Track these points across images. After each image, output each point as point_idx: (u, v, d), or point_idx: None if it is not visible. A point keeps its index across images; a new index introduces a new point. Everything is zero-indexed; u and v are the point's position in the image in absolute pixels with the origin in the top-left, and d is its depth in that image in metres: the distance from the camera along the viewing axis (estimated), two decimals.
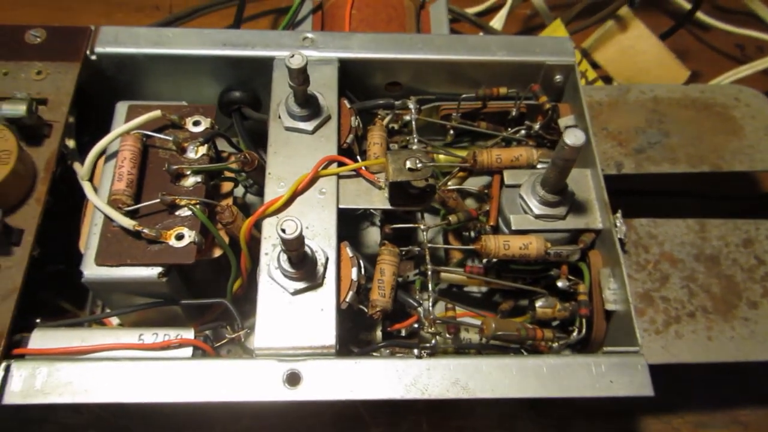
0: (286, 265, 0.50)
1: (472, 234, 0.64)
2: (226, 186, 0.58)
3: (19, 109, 0.54)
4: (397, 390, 0.48)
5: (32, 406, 0.46)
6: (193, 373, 0.48)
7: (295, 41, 0.64)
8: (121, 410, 0.59)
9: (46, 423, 0.60)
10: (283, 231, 0.45)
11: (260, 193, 0.68)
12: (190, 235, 0.51)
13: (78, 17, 0.93)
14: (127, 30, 0.64)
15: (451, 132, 0.69)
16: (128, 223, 0.50)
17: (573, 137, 0.49)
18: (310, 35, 0.64)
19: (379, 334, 0.60)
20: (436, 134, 0.71)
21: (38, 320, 0.54)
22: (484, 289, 0.67)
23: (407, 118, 0.66)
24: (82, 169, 0.56)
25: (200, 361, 0.48)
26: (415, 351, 0.51)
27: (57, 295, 0.59)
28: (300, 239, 0.46)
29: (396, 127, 0.66)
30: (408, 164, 0.53)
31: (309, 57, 0.62)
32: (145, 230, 0.50)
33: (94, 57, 0.63)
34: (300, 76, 0.54)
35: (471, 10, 0.90)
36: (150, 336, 0.50)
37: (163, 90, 0.68)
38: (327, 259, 0.52)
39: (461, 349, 0.56)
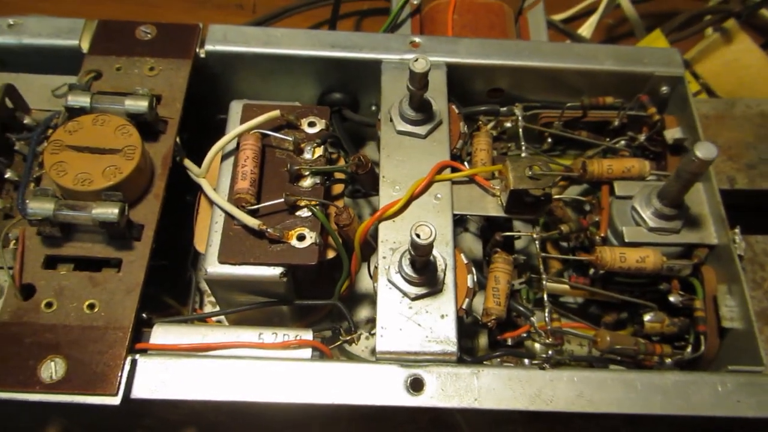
0: (408, 270, 0.50)
1: (569, 244, 0.63)
2: (337, 188, 0.58)
3: (142, 105, 0.54)
4: (521, 401, 0.47)
5: (158, 401, 0.47)
6: (315, 375, 0.48)
7: (402, 45, 0.64)
8: (218, 407, 0.59)
9: (146, 417, 0.61)
10: (418, 236, 0.45)
11: (358, 196, 0.69)
12: (311, 236, 0.51)
13: (161, 14, 0.94)
14: (236, 29, 0.65)
15: (549, 140, 0.68)
16: (253, 222, 0.50)
17: (705, 150, 0.49)
18: (417, 39, 0.64)
19: (483, 341, 0.59)
20: (529, 142, 0.71)
21: (143, 315, 0.54)
22: (579, 300, 0.67)
23: (507, 125, 0.66)
24: (193, 166, 0.57)
25: (323, 363, 0.48)
26: (539, 361, 0.50)
27: (161, 290, 0.60)
28: (432, 245, 0.46)
29: (495, 133, 0.66)
30: (529, 172, 0.53)
31: None
32: (270, 230, 0.50)
33: (203, 55, 0.63)
34: (422, 80, 0.54)
35: (555, 17, 0.89)
36: (269, 335, 0.50)
37: (262, 89, 0.68)
38: (446, 265, 0.51)
39: (575, 361, 0.55)
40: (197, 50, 0.63)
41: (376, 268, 0.53)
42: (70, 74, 0.62)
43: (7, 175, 0.54)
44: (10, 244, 0.52)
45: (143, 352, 0.49)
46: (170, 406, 0.59)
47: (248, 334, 0.50)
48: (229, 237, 0.51)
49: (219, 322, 0.60)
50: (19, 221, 0.53)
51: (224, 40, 0.64)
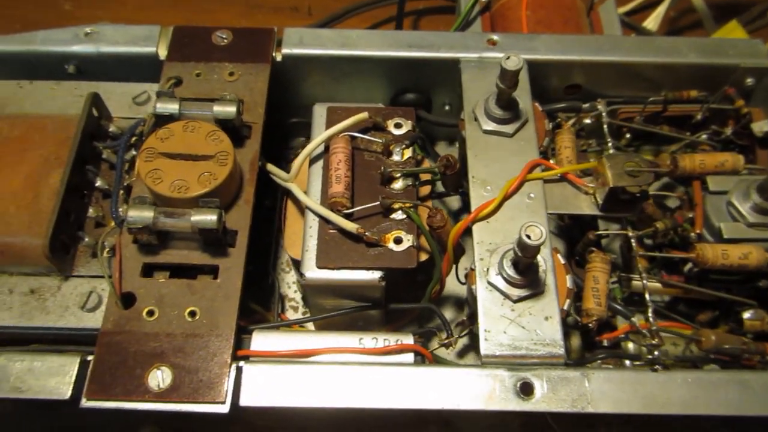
0: (511, 272, 0.49)
1: (655, 242, 0.62)
2: (424, 189, 0.57)
3: (230, 111, 0.54)
4: (635, 404, 0.46)
5: (266, 409, 0.46)
6: (421, 380, 0.47)
7: (479, 43, 0.63)
8: (313, 413, 0.58)
9: (236, 424, 0.60)
10: (528, 237, 0.44)
11: (432, 196, 0.68)
12: (408, 239, 0.50)
13: (217, 19, 0.94)
14: (311, 32, 0.64)
15: (628, 136, 0.67)
16: (351, 226, 0.50)
17: None
18: (495, 37, 0.63)
19: (575, 343, 0.58)
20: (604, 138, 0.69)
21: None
22: (666, 298, 0.65)
23: (586, 121, 0.65)
24: (279, 171, 0.56)
25: (429, 368, 0.47)
26: (644, 363, 0.49)
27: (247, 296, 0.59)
28: (541, 246, 0.45)
29: (574, 130, 0.65)
30: (627, 169, 0.52)
31: (495, 59, 0.61)
32: (367, 233, 0.49)
33: (279, 58, 0.63)
34: (513, 78, 0.53)
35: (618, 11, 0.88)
36: (370, 340, 0.50)
37: (334, 91, 0.67)
38: (547, 266, 0.50)
39: (680, 362, 0.54)
40: (273, 54, 0.62)
41: (471, 270, 0.52)
42: (145, 81, 0.62)
43: (98, 183, 0.54)
44: (103, 252, 0.52)
45: (245, 359, 0.48)
46: (262, 413, 0.58)
47: (348, 340, 0.50)
48: (326, 241, 0.51)
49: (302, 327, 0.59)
50: (113, 230, 0.53)
51: (301, 43, 0.63)
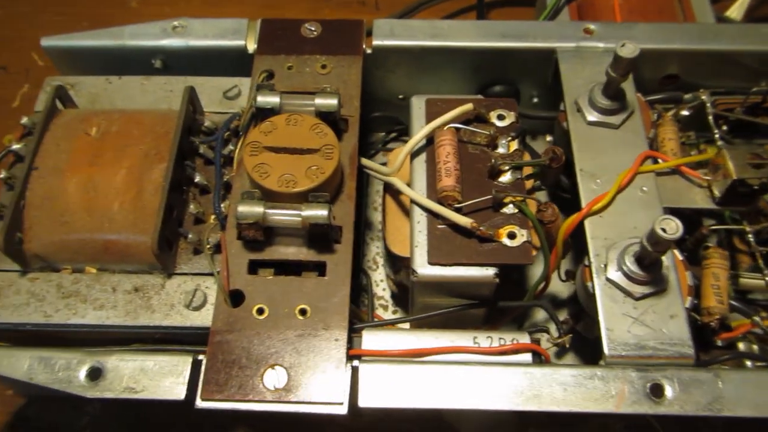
0: (634, 268, 0.47)
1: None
2: (528, 183, 0.56)
3: (332, 103, 0.52)
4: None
5: (384, 410, 0.45)
6: (542, 380, 0.45)
7: (575, 32, 0.61)
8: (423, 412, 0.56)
9: (331, 423, 0.59)
10: (664, 230, 0.42)
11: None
12: (522, 234, 0.49)
13: (285, 13, 0.93)
14: (402, 23, 0.63)
15: (724, 128, 0.64)
16: (465, 221, 0.48)
17: None
18: (591, 26, 0.61)
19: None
20: (699, 130, 0.67)
21: None
22: None
23: (684, 112, 0.62)
24: (377, 165, 0.55)
25: (551, 369, 0.45)
26: None
27: None
28: (675, 240, 0.43)
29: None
30: (750, 160, 0.49)
31: (592, 48, 0.59)
32: (481, 228, 0.48)
33: (369, 51, 0.61)
34: (628, 66, 0.51)
35: None
36: (485, 339, 0.48)
37: (420, 83, 0.66)
38: (670, 262, 0.48)
39: None
40: (363, 46, 0.61)
41: (584, 266, 0.50)
42: (230, 75, 0.61)
43: (197, 179, 0.53)
44: (205, 249, 0.51)
45: (357, 358, 0.47)
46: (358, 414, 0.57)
47: (462, 339, 0.48)
48: (436, 237, 0.49)
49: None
50: (215, 226, 0.52)
51: (391, 34, 0.62)
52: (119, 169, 0.51)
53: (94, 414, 0.60)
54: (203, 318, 0.49)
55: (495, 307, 0.52)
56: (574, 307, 0.56)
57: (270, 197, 0.49)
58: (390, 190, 0.56)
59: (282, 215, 0.48)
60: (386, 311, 0.64)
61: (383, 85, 0.66)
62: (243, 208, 0.47)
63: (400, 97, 0.68)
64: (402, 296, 0.62)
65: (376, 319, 0.60)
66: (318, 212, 0.47)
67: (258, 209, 0.47)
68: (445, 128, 0.52)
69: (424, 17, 0.85)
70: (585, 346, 0.58)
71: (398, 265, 0.57)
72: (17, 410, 0.60)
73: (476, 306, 0.51)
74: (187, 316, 0.49)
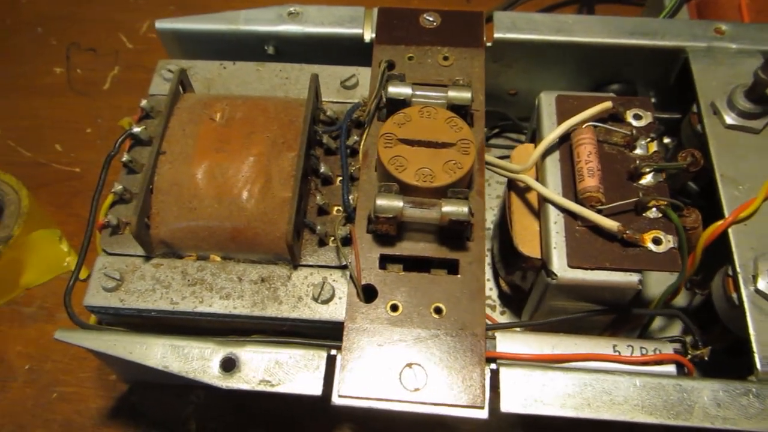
0: None
1: None
2: None
3: (466, 96, 0.51)
4: None
5: (528, 416, 0.43)
6: (692, 395, 0.43)
7: (706, 31, 0.59)
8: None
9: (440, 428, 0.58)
10: None
11: None
12: (668, 240, 0.47)
13: (376, 4, 0.91)
14: (523, 16, 0.61)
15: None
16: (611, 224, 0.46)
17: None
18: (722, 26, 0.59)
19: None
20: None
21: None
22: None
23: None
24: (504, 163, 0.53)
25: (701, 382, 0.43)
26: None
27: None
28: None
29: None
30: None
31: (725, 49, 0.57)
32: (628, 232, 0.46)
33: (489, 43, 0.60)
34: None
35: None
36: (625, 348, 0.46)
37: (535, 78, 0.64)
38: None
39: None
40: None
41: (728, 276, 0.48)
42: (342, 64, 0.60)
43: (322, 169, 0.52)
44: (330, 241, 0.50)
45: (493, 361, 0.45)
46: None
47: (601, 346, 0.46)
48: (576, 239, 0.47)
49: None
50: (342, 218, 0.50)
51: (513, 27, 0.60)
52: (247, 156, 0.50)
53: (198, 402, 0.59)
54: (332, 312, 0.47)
55: (628, 313, 0.50)
56: (701, 317, 0.54)
57: (405, 191, 0.47)
58: (515, 187, 0.54)
59: (420, 211, 0.46)
60: (494, 312, 0.62)
61: (496, 79, 0.64)
62: (382, 202, 0.46)
63: (512, 92, 0.66)
64: (512, 297, 0.61)
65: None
66: (459, 208, 0.46)
67: (397, 203, 0.46)
68: (584, 126, 0.50)
69: (521, 11, 0.83)
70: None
71: (517, 265, 0.55)
72: (121, 396, 0.60)
73: (608, 312, 0.50)
74: (316, 310, 0.48)
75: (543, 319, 0.52)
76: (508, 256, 0.56)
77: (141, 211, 0.48)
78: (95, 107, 0.80)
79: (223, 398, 0.59)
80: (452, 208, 0.46)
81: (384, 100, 0.52)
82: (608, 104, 0.51)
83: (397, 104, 0.51)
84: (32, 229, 0.64)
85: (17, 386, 0.60)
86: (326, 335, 0.47)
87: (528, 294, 0.56)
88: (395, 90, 0.51)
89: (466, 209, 0.46)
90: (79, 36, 0.87)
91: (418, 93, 0.51)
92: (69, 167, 0.75)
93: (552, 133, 0.50)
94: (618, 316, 0.51)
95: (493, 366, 0.44)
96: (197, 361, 0.45)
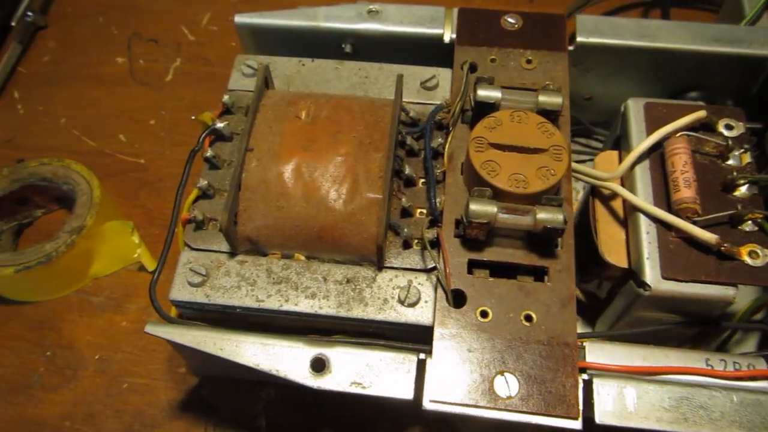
0: None
1: None
2: None
3: (557, 101, 0.50)
4: None
5: (629, 429, 0.43)
6: None
7: None
8: None
9: None
10: None
11: None
12: (765, 254, 0.46)
13: (432, 3, 0.90)
14: (606, 20, 0.60)
15: None
16: (708, 236, 0.45)
17: None
18: None
19: None
20: None
21: None
22: None
23: None
24: (591, 170, 0.53)
25: None
26: None
27: None
28: None
29: None
30: None
31: None
32: (726, 245, 0.45)
33: (571, 47, 0.59)
34: None
35: None
36: (718, 362, 0.45)
37: (609, 85, 0.63)
38: None
39: None
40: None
41: None
42: (418, 64, 0.59)
43: (407, 171, 0.51)
44: (414, 244, 0.50)
45: (584, 371, 0.45)
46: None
47: (693, 359, 0.46)
48: (670, 250, 0.47)
49: None
50: (425, 220, 0.50)
51: (596, 31, 0.59)
52: (334, 156, 0.50)
53: (268, 399, 0.59)
54: (418, 315, 0.47)
55: (718, 326, 0.49)
56: None
57: (497, 196, 0.47)
58: (599, 195, 0.53)
59: (514, 217, 0.46)
60: None
61: (573, 83, 0.62)
62: (476, 207, 0.45)
63: (587, 97, 0.65)
64: (586, 305, 0.60)
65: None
66: (554, 216, 0.45)
67: (491, 209, 0.45)
68: (678, 135, 0.50)
69: (590, 12, 0.82)
70: None
71: (598, 273, 0.54)
72: (190, 389, 0.60)
73: (696, 324, 0.49)
74: (402, 313, 0.47)
75: (625, 329, 0.52)
76: (587, 263, 0.55)
77: (231, 207, 0.48)
78: (158, 99, 0.80)
79: (292, 396, 0.59)
80: (547, 215, 0.45)
81: (472, 102, 0.52)
82: (702, 113, 0.50)
83: (485, 107, 0.51)
84: (103, 219, 0.64)
85: (88, 375, 0.61)
86: (408, 338, 0.47)
87: (604, 302, 0.56)
88: (485, 93, 0.51)
89: (561, 217, 0.45)
90: (140, 26, 0.88)
91: (507, 97, 0.51)
92: (134, 158, 0.75)
93: (644, 142, 0.50)
94: (704, 329, 0.50)
95: (585, 376, 0.44)
96: (287, 360, 0.45)
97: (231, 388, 0.59)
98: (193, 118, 0.78)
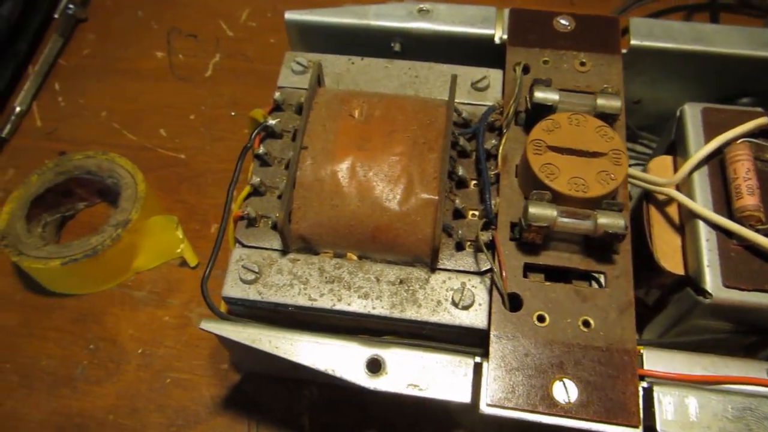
0: None
1: None
2: None
3: (616, 105, 0.50)
4: None
5: None
6: None
7: None
8: None
9: None
10: None
11: None
12: None
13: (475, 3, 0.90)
14: (660, 23, 0.59)
15: None
16: None
17: None
18: None
19: None
20: None
21: None
22: None
23: None
24: (648, 176, 0.52)
25: None
26: None
27: None
28: None
29: None
30: None
31: None
32: None
33: (624, 50, 0.58)
34: None
35: None
36: None
37: (655, 90, 0.62)
38: None
39: None
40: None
41: None
42: (467, 64, 0.59)
43: (460, 172, 0.51)
44: (466, 246, 0.49)
45: (642, 378, 0.44)
46: None
47: (752, 369, 0.45)
48: (732, 258, 0.46)
49: None
50: (478, 222, 0.50)
51: (650, 34, 0.58)
52: (389, 155, 0.50)
53: (311, 398, 0.59)
54: (472, 318, 0.47)
55: None
56: None
57: (556, 199, 0.47)
58: (653, 200, 0.53)
59: (574, 221, 0.45)
60: None
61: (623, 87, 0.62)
62: (535, 210, 0.45)
63: (635, 101, 0.64)
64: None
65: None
66: (615, 221, 0.45)
67: (551, 212, 0.45)
68: (739, 142, 0.49)
69: (634, 15, 0.81)
70: None
71: (651, 280, 0.54)
72: (233, 385, 0.60)
73: (756, 333, 0.48)
74: (456, 315, 0.47)
75: (677, 337, 0.51)
76: (638, 270, 0.55)
77: (288, 205, 0.48)
78: (198, 94, 0.80)
79: (336, 396, 0.59)
80: (608, 220, 0.45)
81: (529, 104, 0.51)
82: (764, 120, 0.49)
83: (542, 110, 0.51)
84: (147, 213, 0.64)
85: (131, 369, 0.61)
86: (457, 340, 0.47)
87: (652, 310, 0.55)
88: (542, 95, 0.50)
89: (622, 222, 0.45)
90: (179, 21, 0.88)
91: (564, 99, 0.50)
92: (174, 153, 0.75)
93: (705, 148, 0.49)
94: (761, 338, 0.50)
95: (645, 384, 0.44)
96: (343, 360, 0.45)
97: (274, 386, 0.59)
98: (232, 114, 0.78)
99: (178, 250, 0.65)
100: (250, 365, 0.59)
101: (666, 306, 0.52)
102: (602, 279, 0.48)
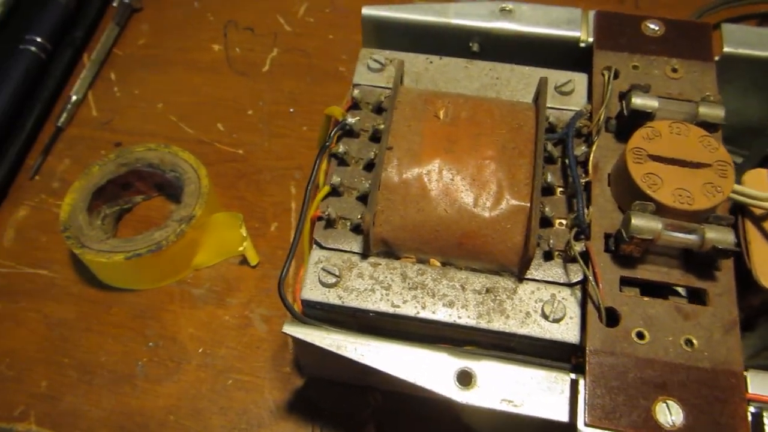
0: None
1: None
2: None
3: (719, 114, 0.48)
4: None
5: None
6: None
7: None
8: None
9: None
10: None
11: None
12: None
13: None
14: (753, 30, 0.57)
15: None
16: None
17: None
18: None
19: None
20: None
21: None
22: None
23: None
24: (748, 189, 0.50)
25: None
26: None
27: None
28: None
29: None
30: None
31: None
32: None
33: (717, 57, 0.56)
34: None
35: None
36: None
37: (738, 98, 0.60)
38: None
39: None
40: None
41: None
42: (547, 66, 0.57)
43: (549, 179, 0.49)
44: (555, 256, 0.47)
45: (748, 402, 0.42)
46: None
47: None
48: None
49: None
50: (565, 232, 0.47)
51: (744, 42, 0.56)
52: (477, 159, 0.48)
53: (376, 406, 0.57)
54: (563, 332, 0.45)
55: None
56: None
57: (658, 211, 0.44)
58: (750, 215, 0.50)
59: (680, 235, 0.43)
60: None
61: None
62: (639, 222, 0.43)
63: None
64: None
65: None
66: (725, 236, 0.42)
67: (655, 225, 0.43)
68: None
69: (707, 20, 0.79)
70: None
71: (746, 297, 0.51)
72: (296, 389, 0.58)
73: None
74: (546, 328, 0.45)
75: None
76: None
77: (373, 207, 0.46)
78: (256, 89, 0.79)
79: (401, 404, 0.57)
80: (717, 235, 0.42)
81: (625, 111, 0.49)
82: None
83: (638, 117, 0.48)
84: (210, 209, 0.63)
85: (192, 369, 0.59)
86: (544, 354, 0.45)
87: (742, 329, 0.53)
88: (641, 101, 0.48)
89: (732, 237, 0.42)
90: (235, 14, 0.86)
91: (663, 107, 0.48)
92: (232, 148, 0.74)
93: None
94: None
95: (753, 409, 0.41)
96: (430, 371, 0.43)
97: (337, 391, 0.57)
98: (291, 110, 0.77)
99: (240, 249, 0.63)
100: (316, 369, 0.57)
101: (758, 326, 0.50)
102: (704, 296, 0.45)
